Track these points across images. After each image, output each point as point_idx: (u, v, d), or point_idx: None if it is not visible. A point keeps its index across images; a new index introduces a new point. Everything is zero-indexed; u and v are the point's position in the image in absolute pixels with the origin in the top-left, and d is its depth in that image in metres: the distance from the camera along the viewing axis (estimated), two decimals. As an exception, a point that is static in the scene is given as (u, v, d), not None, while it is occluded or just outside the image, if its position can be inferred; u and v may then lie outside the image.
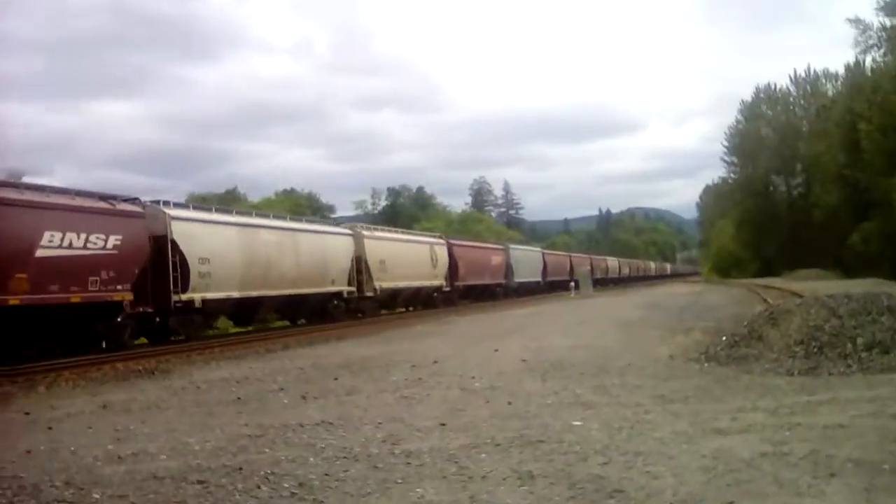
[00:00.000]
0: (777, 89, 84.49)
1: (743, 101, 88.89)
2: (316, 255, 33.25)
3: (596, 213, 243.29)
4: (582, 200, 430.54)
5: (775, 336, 14.78)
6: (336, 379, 14.61)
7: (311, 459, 7.97)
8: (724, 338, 16.11)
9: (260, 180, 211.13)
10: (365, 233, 38.87)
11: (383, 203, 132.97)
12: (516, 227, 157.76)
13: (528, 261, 66.47)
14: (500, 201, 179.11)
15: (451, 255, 48.49)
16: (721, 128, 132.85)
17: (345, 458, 8.00)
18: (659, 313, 30.40)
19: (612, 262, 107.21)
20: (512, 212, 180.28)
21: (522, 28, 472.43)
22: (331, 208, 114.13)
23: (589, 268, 75.72)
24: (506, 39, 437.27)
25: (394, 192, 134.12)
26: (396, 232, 48.75)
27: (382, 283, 38.56)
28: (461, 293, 50.41)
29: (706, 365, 14.04)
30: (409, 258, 42.25)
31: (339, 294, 35.44)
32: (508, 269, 59.85)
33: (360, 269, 36.68)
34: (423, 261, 44.60)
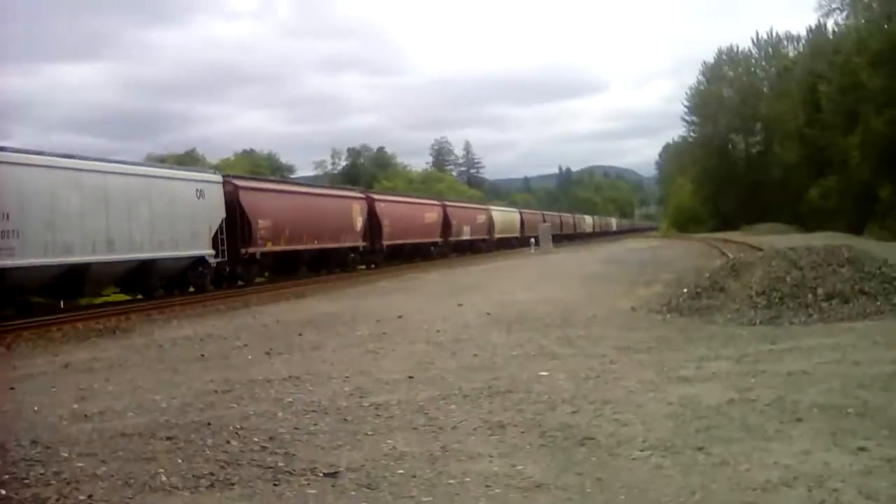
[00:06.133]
0: (739, 51, 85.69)
1: (705, 62, 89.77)
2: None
3: (556, 171, 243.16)
4: (543, 160, 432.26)
5: (737, 287, 14.94)
6: (300, 335, 14.57)
7: (280, 414, 7.95)
8: (685, 290, 16.27)
9: (219, 141, 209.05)
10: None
11: (343, 163, 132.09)
12: (477, 185, 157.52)
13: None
14: (460, 161, 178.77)
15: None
16: (682, 89, 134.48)
17: (314, 411, 7.99)
18: (619, 267, 30.59)
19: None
20: (473, 171, 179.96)
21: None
22: (290, 168, 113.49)
23: (548, 224, 74.84)
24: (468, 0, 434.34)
25: (354, 153, 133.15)
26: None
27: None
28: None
29: (668, 316, 14.19)
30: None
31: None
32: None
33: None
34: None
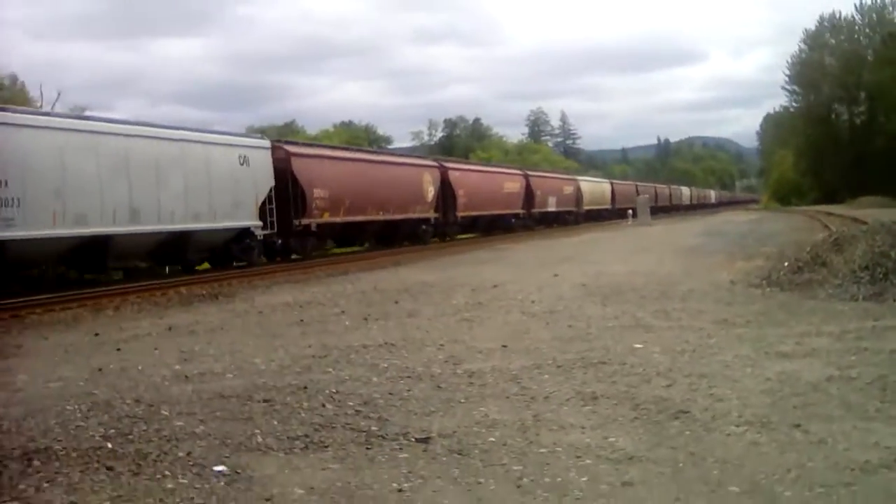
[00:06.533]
0: (842, 17, 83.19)
1: (806, 29, 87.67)
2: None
3: (654, 142, 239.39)
4: (640, 130, 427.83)
5: (839, 262, 14.55)
6: (397, 302, 14.72)
7: (375, 379, 8.06)
8: (786, 263, 15.93)
9: (318, 113, 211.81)
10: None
11: (440, 134, 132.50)
12: (573, 156, 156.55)
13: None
14: (556, 131, 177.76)
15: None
16: (782, 57, 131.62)
17: (408, 377, 8.08)
18: (718, 240, 30.06)
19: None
20: (569, 142, 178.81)
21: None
22: (388, 139, 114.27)
23: (647, 196, 72.93)
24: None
25: (450, 124, 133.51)
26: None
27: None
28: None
29: (768, 290, 13.90)
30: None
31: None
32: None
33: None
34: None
